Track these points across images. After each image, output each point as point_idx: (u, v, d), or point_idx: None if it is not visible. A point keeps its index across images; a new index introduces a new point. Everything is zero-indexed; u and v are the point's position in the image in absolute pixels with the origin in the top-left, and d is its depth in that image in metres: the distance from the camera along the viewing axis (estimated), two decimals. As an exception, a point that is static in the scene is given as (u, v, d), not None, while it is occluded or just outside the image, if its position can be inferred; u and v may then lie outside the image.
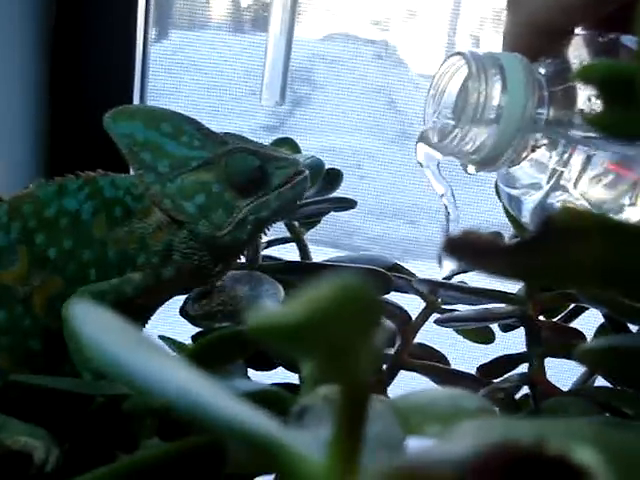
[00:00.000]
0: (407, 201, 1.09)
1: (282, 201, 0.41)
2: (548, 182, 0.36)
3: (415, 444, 0.19)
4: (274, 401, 0.25)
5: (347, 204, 0.47)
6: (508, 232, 0.49)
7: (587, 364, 0.32)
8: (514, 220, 0.45)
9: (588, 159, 0.35)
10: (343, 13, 1.06)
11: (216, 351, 0.28)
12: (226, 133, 0.41)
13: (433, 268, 1.02)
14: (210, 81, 1.03)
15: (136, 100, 0.87)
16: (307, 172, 0.41)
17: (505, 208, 0.44)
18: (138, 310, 0.41)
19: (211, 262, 0.41)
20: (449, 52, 1.13)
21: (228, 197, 0.40)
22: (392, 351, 0.45)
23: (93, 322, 0.16)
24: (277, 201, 0.41)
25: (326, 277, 0.12)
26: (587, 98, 0.35)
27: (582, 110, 0.34)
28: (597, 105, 0.34)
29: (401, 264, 0.49)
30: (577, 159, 0.35)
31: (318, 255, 0.52)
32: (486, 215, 1.03)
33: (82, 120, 0.85)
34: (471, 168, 0.38)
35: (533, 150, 0.36)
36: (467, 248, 0.19)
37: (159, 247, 0.40)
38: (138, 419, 0.30)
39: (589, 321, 0.48)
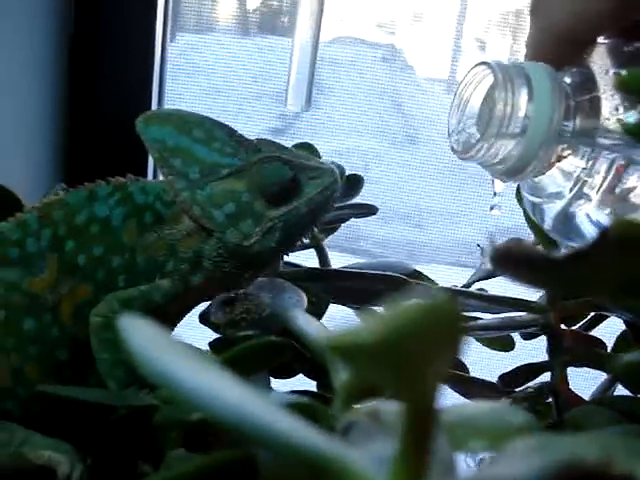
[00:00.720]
0: (414, 204, 1.08)
1: (311, 206, 0.40)
2: (572, 190, 0.36)
3: (467, 463, 0.19)
4: (307, 414, 0.25)
5: (368, 210, 0.47)
6: (521, 236, 0.49)
7: (624, 378, 0.31)
8: (535, 227, 0.44)
9: (612, 168, 0.34)
10: (350, 16, 1.05)
11: (248, 361, 0.27)
12: (259, 139, 0.40)
13: (440, 272, 1.02)
14: (217, 84, 1.03)
15: (154, 104, 0.86)
16: (337, 176, 0.41)
17: (526, 214, 0.44)
18: (165, 317, 0.41)
19: (240, 270, 0.40)
20: (455, 56, 1.12)
21: (258, 207, 0.39)
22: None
23: (142, 335, 0.16)
24: (306, 207, 0.40)
25: (409, 295, 0.11)
26: (614, 108, 0.34)
27: (620, 119, 0.33)
28: (625, 115, 0.34)
29: (420, 271, 0.48)
30: (601, 168, 0.35)
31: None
32: (493, 217, 1.03)
33: (100, 126, 0.85)
34: (498, 181, 0.37)
35: (559, 160, 0.36)
36: (514, 260, 0.19)
37: (188, 254, 0.40)
38: (163, 430, 0.29)
39: (609, 329, 0.48)
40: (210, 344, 0.44)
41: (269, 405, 0.16)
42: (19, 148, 0.77)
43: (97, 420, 0.30)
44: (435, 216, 1.09)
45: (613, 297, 0.32)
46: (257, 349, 0.26)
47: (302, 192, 0.40)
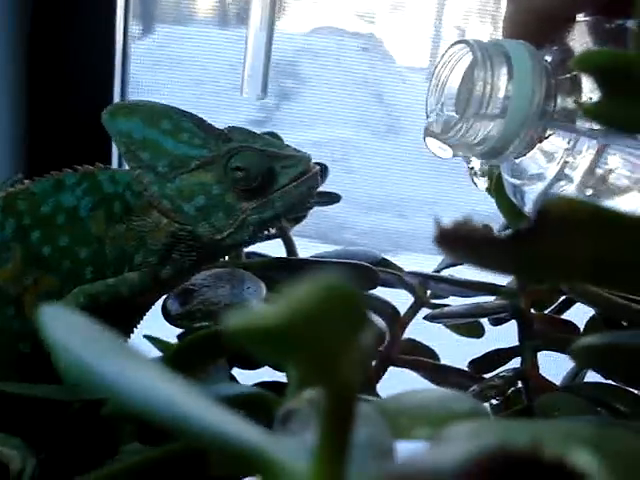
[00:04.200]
0: (395, 194, 1.08)
1: (286, 201, 0.39)
2: (555, 170, 0.35)
3: (405, 449, 0.19)
4: (259, 404, 0.25)
5: (331, 198, 0.47)
6: (497, 223, 0.49)
7: (582, 362, 0.31)
8: (507, 212, 0.44)
9: (593, 148, 0.34)
10: (329, 6, 1.05)
11: (196, 352, 0.27)
12: (231, 128, 0.39)
13: (423, 261, 1.02)
14: (197, 75, 1.02)
15: (117, 96, 0.85)
16: (316, 169, 0.40)
17: (498, 200, 0.43)
18: (133, 308, 0.40)
19: (209, 260, 0.40)
20: (435, 44, 1.12)
21: (229, 199, 0.38)
22: (381, 347, 0.45)
23: (64, 329, 0.16)
24: (281, 201, 0.39)
25: (309, 275, 0.11)
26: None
27: (579, 102, 0.33)
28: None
29: (389, 258, 0.48)
30: (583, 148, 0.34)
31: (307, 250, 0.52)
32: (474, 205, 1.03)
33: (62, 118, 0.84)
34: (476, 162, 0.36)
35: (540, 140, 0.35)
36: (460, 240, 0.18)
37: (158, 246, 0.39)
38: (117, 424, 0.29)
39: (580, 312, 0.47)
40: (178, 336, 0.44)
41: (197, 397, 0.16)
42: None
43: (51, 415, 0.30)
44: (417, 205, 1.09)
45: (558, 279, 0.32)
46: (204, 340, 0.26)
47: (275, 182, 0.39)
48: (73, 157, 0.44)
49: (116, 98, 0.85)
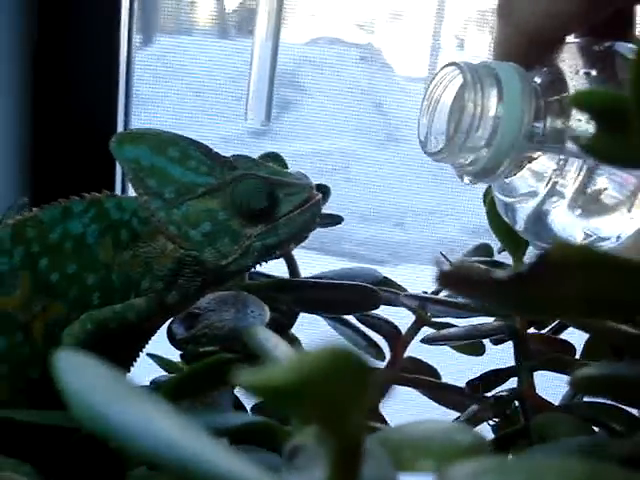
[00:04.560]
0: (395, 204, 1.09)
1: (291, 228, 0.40)
2: (545, 189, 0.35)
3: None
4: (264, 433, 0.25)
5: (334, 219, 0.47)
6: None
7: (581, 391, 0.32)
8: (499, 230, 0.44)
9: (583, 167, 0.34)
10: (328, 17, 1.05)
11: (201, 380, 0.27)
12: (236, 156, 0.40)
13: (422, 271, 1.02)
14: (197, 86, 1.03)
15: (121, 108, 0.86)
16: (319, 196, 0.40)
17: (490, 219, 0.44)
18: (139, 333, 0.41)
19: (214, 285, 0.41)
20: (434, 54, 1.12)
21: (235, 225, 0.39)
22: (383, 366, 0.45)
23: (77, 374, 0.16)
24: (285, 228, 0.40)
25: (321, 341, 0.12)
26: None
27: (575, 136, 0.33)
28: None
29: (388, 269, 0.49)
30: (572, 168, 0.34)
31: (306, 262, 0.52)
32: (473, 215, 1.03)
33: (66, 132, 0.84)
34: (466, 179, 0.37)
35: (530, 161, 0.36)
36: (460, 281, 0.19)
37: (164, 272, 0.40)
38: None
39: (578, 332, 0.48)
40: (181, 355, 0.44)
41: (206, 443, 0.16)
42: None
43: (59, 441, 0.30)
44: (416, 215, 1.09)
45: (554, 315, 0.33)
46: (209, 369, 0.26)
47: (279, 209, 0.40)
48: (77, 169, 0.44)
49: (120, 110, 0.85)
